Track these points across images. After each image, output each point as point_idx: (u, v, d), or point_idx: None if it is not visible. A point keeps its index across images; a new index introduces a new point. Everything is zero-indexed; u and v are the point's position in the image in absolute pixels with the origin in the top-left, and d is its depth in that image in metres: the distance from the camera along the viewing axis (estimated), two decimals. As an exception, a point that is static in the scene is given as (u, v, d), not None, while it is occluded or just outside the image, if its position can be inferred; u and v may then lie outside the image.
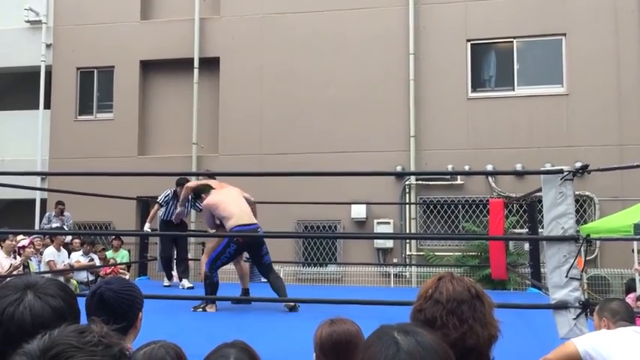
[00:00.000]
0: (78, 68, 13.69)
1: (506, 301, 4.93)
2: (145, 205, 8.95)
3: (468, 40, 12.02)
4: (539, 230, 7.60)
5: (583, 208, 11.11)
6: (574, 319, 3.70)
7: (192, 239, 10.56)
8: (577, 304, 3.73)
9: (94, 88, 13.74)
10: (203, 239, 11.05)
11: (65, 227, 10.52)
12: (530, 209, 7.77)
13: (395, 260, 11.79)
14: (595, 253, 10.88)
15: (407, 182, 11.93)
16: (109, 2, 13.50)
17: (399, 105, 12.00)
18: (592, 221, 10.39)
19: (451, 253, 11.33)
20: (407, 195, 11.95)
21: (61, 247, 9.54)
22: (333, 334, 2.02)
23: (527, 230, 8.75)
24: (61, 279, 8.44)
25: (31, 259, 8.98)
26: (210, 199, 6.12)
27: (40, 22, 14.04)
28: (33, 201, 13.47)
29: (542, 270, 7.18)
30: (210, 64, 12.98)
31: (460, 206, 11.58)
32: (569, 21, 11.51)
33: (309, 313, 5.42)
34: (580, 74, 11.41)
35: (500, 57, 12.12)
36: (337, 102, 12.10)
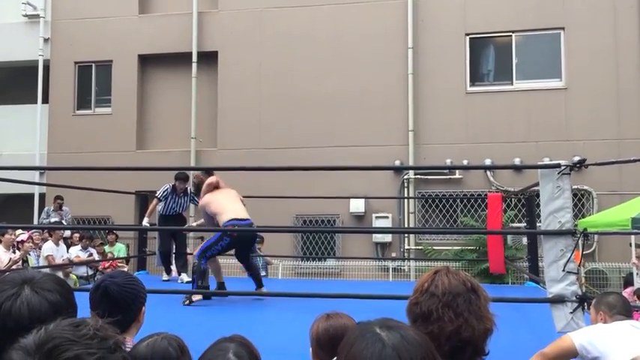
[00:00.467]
0: (76, 63, 13.66)
1: (503, 295, 4.96)
2: (143, 199, 8.96)
3: (467, 35, 12.01)
4: (537, 224, 7.62)
5: (581, 202, 11.13)
6: (571, 313, 3.72)
7: (191, 234, 10.56)
8: (574, 298, 3.74)
9: (92, 82, 13.71)
10: (202, 234, 11.08)
11: (64, 222, 10.52)
12: (528, 203, 7.78)
13: (393, 254, 11.82)
14: (593, 247, 10.91)
15: (405, 177, 11.94)
16: (107, -4, 13.48)
17: (397, 99, 11.99)
18: (590, 215, 10.41)
19: (449, 247, 11.36)
20: (405, 189, 11.96)
21: (60, 242, 9.56)
22: (329, 329, 2.03)
23: (525, 224, 8.78)
24: (60, 274, 8.46)
25: (29, 254, 8.99)
26: (204, 199, 6.17)
27: (37, 16, 13.99)
28: (31, 195, 13.47)
29: (540, 264, 7.21)
30: (209, 59, 12.95)
31: (458, 200, 11.59)
32: (567, 15, 11.49)
33: (308, 307, 5.44)
34: (578, 68, 11.41)
35: (498, 51, 12.11)
36: (336, 96, 12.09)
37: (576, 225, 3.98)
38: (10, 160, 12.07)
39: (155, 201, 7.97)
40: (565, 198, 3.84)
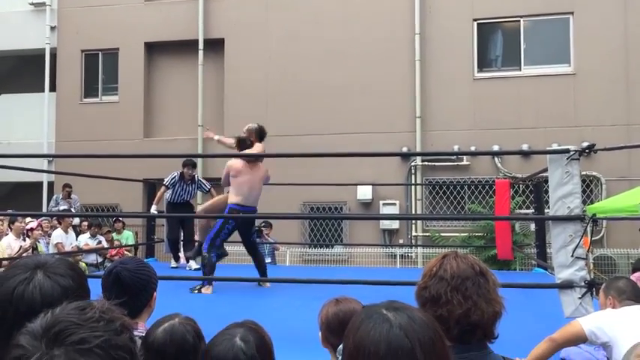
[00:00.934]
0: (82, 51, 13.67)
1: (511, 281, 4.95)
2: (151, 187, 8.99)
3: (475, 20, 11.91)
4: (545, 210, 7.59)
5: (590, 188, 11.07)
6: (579, 298, 3.71)
7: (198, 221, 10.57)
8: (582, 284, 3.73)
9: (99, 70, 13.72)
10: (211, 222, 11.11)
11: (73, 210, 10.59)
12: (537, 190, 7.75)
13: (401, 241, 11.82)
14: (601, 234, 10.87)
15: (413, 163, 11.91)
16: (113, -16, 13.44)
17: (404, 86, 11.94)
18: (599, 201, 10.36)
19: (457, 234, 11.35)
20: (413, 176, 11.94)
21: (69, 230, 9.62)
22: (339, 313, 2.04)
23: (533, 211, 8.75)
24: (70, 261, 8.50)
25: (39, 241, 9.06)
26: (237, 164, 6.13)
27: (44, 4, 13.98)
28: (40, 184, 13.54)
29: (548, 250, 7.19)
30: (215, 46, 12.92)
31: (466, 187, 11.57)
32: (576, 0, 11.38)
33: (316, 293, 5.46)
34: (587, 53, 11.30)
35: (506, 36, 12.01)
36: (343, 83, 12.04)
37: (585, 211, 3.95)
38: (18, 149, 12.11)
39: (163, 188, 8.00)
40: (574, 183, 3.82)
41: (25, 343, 0.89)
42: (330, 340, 2.04)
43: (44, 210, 12.43)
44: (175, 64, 13.36)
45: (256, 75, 12.53)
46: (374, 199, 11.84)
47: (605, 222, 10.53)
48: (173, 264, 8.19)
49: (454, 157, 11.73)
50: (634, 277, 7.31)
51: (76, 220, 10.28)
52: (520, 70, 11.79)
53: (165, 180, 7.96)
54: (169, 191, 7.94)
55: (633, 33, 11.11)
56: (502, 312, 1.52)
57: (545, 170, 4.07)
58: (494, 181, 8.53)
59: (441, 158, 11.80)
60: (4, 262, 6.73)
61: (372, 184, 11.31)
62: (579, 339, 2.83)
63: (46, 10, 13.96)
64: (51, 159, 13.11)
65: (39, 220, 9.43)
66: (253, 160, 6.18)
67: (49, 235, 9.43)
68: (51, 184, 13.22)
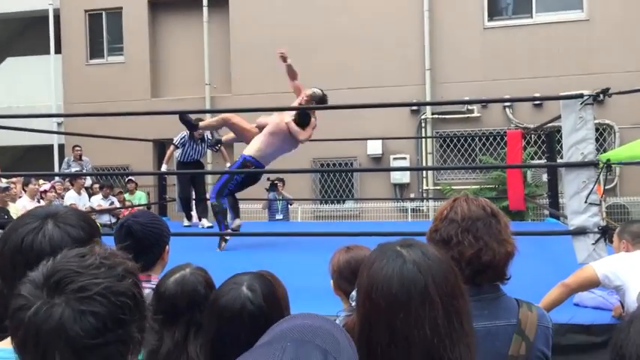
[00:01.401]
0: (86, 11, 13.49)
1: (524, 230, 4.94)
2: (161, 147, 8.98)
3: (484, -34, 11.58)
4: (558, 160, 7.52)
5: (603, 136, 10.94)
6: (593, 244, 3.69)
7: (209, 179, 10.61)
8: (596, 230, 3.70)
9: (104, 30, 13.58)
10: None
11: (85, 171, 10.65)
12: (549, 139, 7.66)
13: (412, 195, 11.81)
14: (614, 182, 10.79)
15: (423, 116, 11.79)
16: (113, -59, 13.16)
17: (413, 38, 11.72)
18: (612, 149, 10.25)
19: (468, 187, 11.30)
20: (423, 129, 11.83)
21: (82, 191, 9.70)
22: (351, 260, 2.04)
23: (545, 161, 8.67)
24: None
25: (55, 203, 9.15)
26: (279, 121, 6.21)
27: (44, -36, 13.77)
28: (51, 147, 13.60)
29: (560, 200, 7.14)
30: (220, 2, 12.70)
31: (477, 139, 11.46)
32: (590, -59, 11.01)
33: (328, 246, 5.50)
34: (601, -2, 10.99)
35: (517, -17, 11.69)
36: (351, 37, 11.84)
37: (598, 157, 3.90)
38: (26, 112, 12.13)
39: (172, 147, 8.00)
40: (588, 129, 3.76)
41: (27, 293, 0.88)
42: (342, 287, 2.04)
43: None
44: (180, 22, 13.18)
45: (262, 30, 12.33)
46: (384, 153, 11.78)
47: (617, 170, 10.43)
48: (186, 222, 8.24)
49: (465, 109, 11.58)
50: (648, 224, 7.28)
51: (88, 182, 10.35)
52: (532, 17, 11.51)
53: (175, 139, 7.95)
54: (179, 151, 7.93)
55: (649, -25, 10.77)
56: (514, 252, 1.51)
57: (557, 119, 4.01)
58: (505, 132, 8.44)
59: (452, 110, 11.66)
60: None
61: (382, 138, 11.23)
62: (592, 283, 2.82)
63: (47, -30, 13.75)
64: (60, 122, 13.12)
65: (52, 182, 9.51)
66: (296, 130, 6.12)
67: (62, 198, 9.51)
68: (62, 147, 13.26)
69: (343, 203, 12.10)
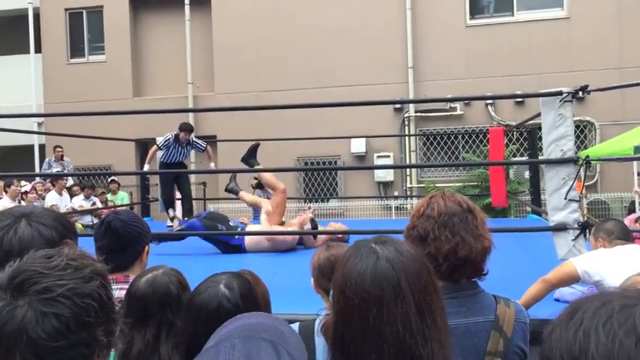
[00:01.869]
0: (66, 9, 13.35)
1: (506, 226, 4.98)
2: (143, 146, 8.91)
3: (466, -35, 11.65)
4: (540, 157, 7.58)
5: (584, 133, 11.05)
6: (573, 240, 3.72)
7: (193, 179, 10.57)
8: (576, 226, 3.74)
9: (84, 29, 13.44)
10: (203, 179, 11.09)
11: (66, 172, 10.54)
12: (530, 136, 7.72)
13: (396, 193, 11.85)
14: (595, 179, 10.91)
15: (406, 115, 11.83)
16: (93, -62, 13.03)
17: (396, 36, 11.75)
18: (592, 146, 10.36)
19: (452, 184, 11.36)
20: (406, 127, 11.88)
21: (63, 192, 9.60)
22: (331, 257, 2.03)
23: (527, 158, 8.74)
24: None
25: (35, 205, 9.04)
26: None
27: (23, -38, 13.59)
28: (31, 147, 13.44)
29: (542, 197, 7.21)
30: (202, 0, 12.63)
31: (460, 137, 11.53)
32: (570, -60, 11.12)
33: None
34: (581, -4, 11.10)
35: (499, -19, 11.77)
36: (334, 35, 11.85)
37: (578, 154, 3.93)
38: (6, 113, 11.97)
39: (154, 147, 7.91)
40: (567, 126, 3.79)
41: None
42: (322, 285, 2.04)
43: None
44: (162, 20, 13.08)
45: (245, 29, 12.29)
46: (368, 152, 11.81)
47: (598, 167, 10.55)
48: (169, 223, 8.18)
49: (447, 107, 11.64)
50: (629, 218, 7.39)
51: (70, 182, 10.24)
52: (513, 15, 11.60)
53: (159, 140, 7.84)
54: (163, 152, 7.85)
55: (627, -26, 10.90)
56: (491, 248, 1.52)
57: (538, 116, 4.03)
58: (488, 130, 8.49)
59: (435, 108, 11.71)
60: None
61: (366, 137, 11.25)
62: (572, 279, 2.85)
63: (26, -32, 13.57)
64: (41, 122, 12.96)
65: (33, 183, 9.40)
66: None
67: (44, 198, 9.40)
68: (42, 148, 13.12)
69: (327, 202, 12.11)
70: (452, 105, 11.62)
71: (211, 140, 10.15)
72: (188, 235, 5.62)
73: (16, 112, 11.71)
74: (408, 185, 11.87)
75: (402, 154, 11.84)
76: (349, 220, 10.49)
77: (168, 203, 8.14)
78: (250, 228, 5.83)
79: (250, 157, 6.52)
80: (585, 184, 8.88)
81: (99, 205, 9.97)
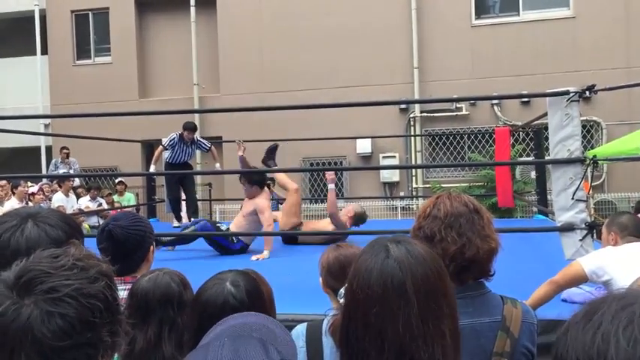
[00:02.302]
0: (72, 11, 13.40)
1: (513, 227, 4.96)
2: (149, 147, 8.95)
3: (472, -35, 11.62)
4: (546, 157, 7.55)
5: (590, 133, 11.01)
6: (580, 240, 3.70)
7: (198, 180, 10.59)
8: (583, 226, 3.72)
9: (90, 31, 13.49)
10: (209, 180, 11.11)
11: (72, 172, 10.57)
12: (537, 136, 7.70)
13: (402, 194, 11.83)
14: (602, 179, 10.86)
15: (412, 115, 11.81)
16: (99, -60, 13.08)
17: (401, 36, 11.74)
18: (599, 146, 10.31)
19: (457, 185, 11.34)
20: (412, 128, 11.86)
21: (70, 193, 9.63)
22: (340, 257, 2.03)
23: (533, 158, 8.71)
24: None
25: (41, 206, 9.08)
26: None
27: (30, -36, 13.65)
28: (38, 149, 13.50)
29: (548, 197, 7.18)
30: (207, 2, 12.65)
31: (466, 137, 11.50)
32: (576, -61, 11.07)
33: (317, 245, 5.49)
34: (587, -4, 11.06)
35: (504, -19, 11.74)
36: (339, 35, 11.84)
37: (585, 154, 3.91)
38: (13, 114, 12.03)
39: (160, 148, 7.92)
40: (574, 126, 3.77)
41: None
42: (331, 284, 2.03)
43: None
44: (167, 22, 13.12)
45: (250, 30, 12.31)
46: (373, 152, 11.80)
47: (605, 167, 10.50)
48: (175, 223, 8.19)
49: (453, 108, 11.61)
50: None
51: (77, 183, 10.28)
52: (519, 15, 11.57)
53: (164, 141, 7.86)
54: (168, 152, 7.87)
55: (634, -27, 10.85)
56: (498, 248, 1.51)
57: (545, 116, 4.02)
58: (493, 130, 8.47)
59: (440, 108, 11.69)
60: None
61: (371, 137, 11.24)
62: (580, 279, 2.84)
63: (33, -30, 13.63)
64: (47, 123, 13.02)
65: (40, 184, 9.44)
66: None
67: (50, 200, 9.44)
68: (49, 149, 13.17)
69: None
70: (457, 105, 11.59)
71: (217, 141, 10.17)
72: (199, 236, 5.62)
73: (23, 114, 11.78)
74: (414, 186, 11.85)
75: (407, 154, 11.82)
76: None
77: (175, 204, 8.15)
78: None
79: (269, 158, 6.63)
80: (592, 184, 8.85)
81: (105, 205, 10.00)
